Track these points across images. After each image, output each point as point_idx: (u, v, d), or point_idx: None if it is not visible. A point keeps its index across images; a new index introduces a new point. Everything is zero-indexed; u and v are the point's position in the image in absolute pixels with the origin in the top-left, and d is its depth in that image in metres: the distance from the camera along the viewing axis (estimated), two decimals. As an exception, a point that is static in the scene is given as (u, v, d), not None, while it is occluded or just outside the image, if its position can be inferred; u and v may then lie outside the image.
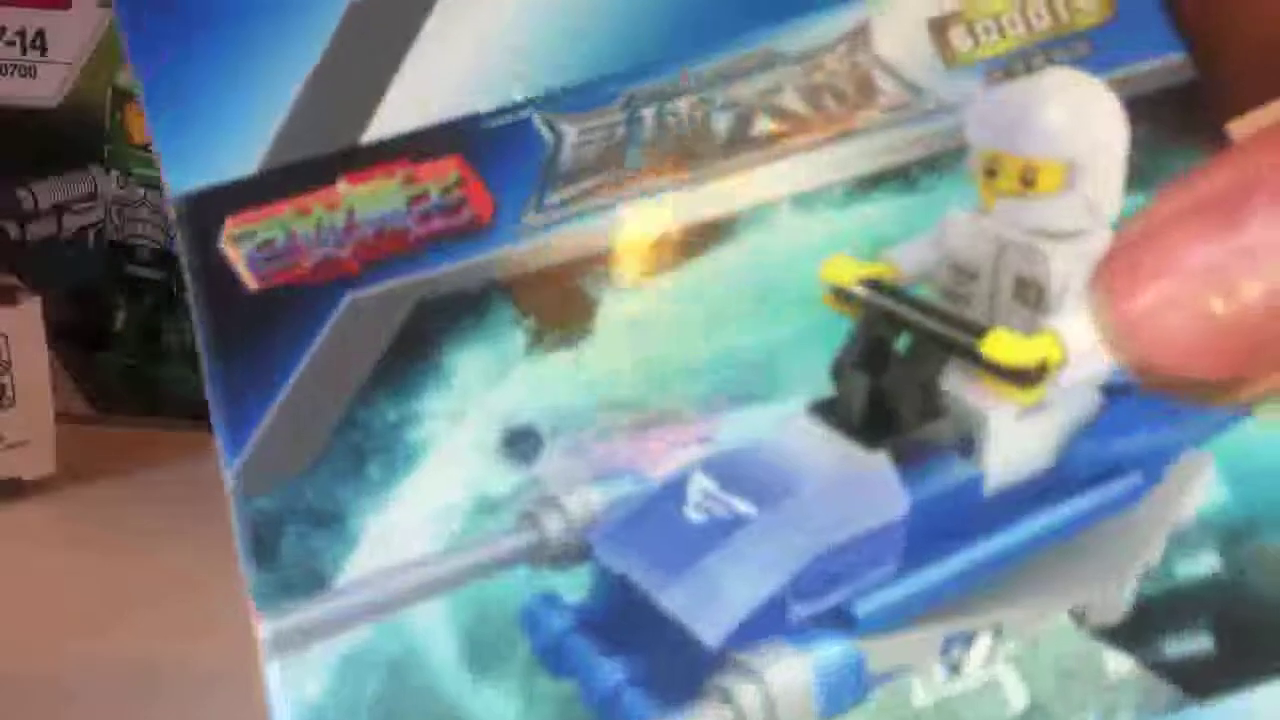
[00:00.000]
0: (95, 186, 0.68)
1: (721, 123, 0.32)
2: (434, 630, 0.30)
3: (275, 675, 0.29)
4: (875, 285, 0.31)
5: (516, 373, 0.31)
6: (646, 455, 0.31)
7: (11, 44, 0.66)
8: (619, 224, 0.32)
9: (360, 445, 0.31)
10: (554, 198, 0.32)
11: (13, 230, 0.69)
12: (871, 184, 0.32)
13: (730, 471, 0.30)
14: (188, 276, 0.32)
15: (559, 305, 0.32)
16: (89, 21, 0.66)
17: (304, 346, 0.31)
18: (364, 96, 0.32)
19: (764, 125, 0.32)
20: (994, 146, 0.31)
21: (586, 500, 0.30)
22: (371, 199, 0.32)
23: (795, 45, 0.32)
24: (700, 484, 0.30)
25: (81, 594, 0.57)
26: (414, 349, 0.31)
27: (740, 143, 0.32)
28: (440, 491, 0.30)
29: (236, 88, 0.32)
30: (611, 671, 0.29)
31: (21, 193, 0.68)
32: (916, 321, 0.30)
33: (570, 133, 0.32)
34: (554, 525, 0.30)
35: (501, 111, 0.32)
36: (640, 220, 0.32)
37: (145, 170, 0.68)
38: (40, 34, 0.66)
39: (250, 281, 0.31)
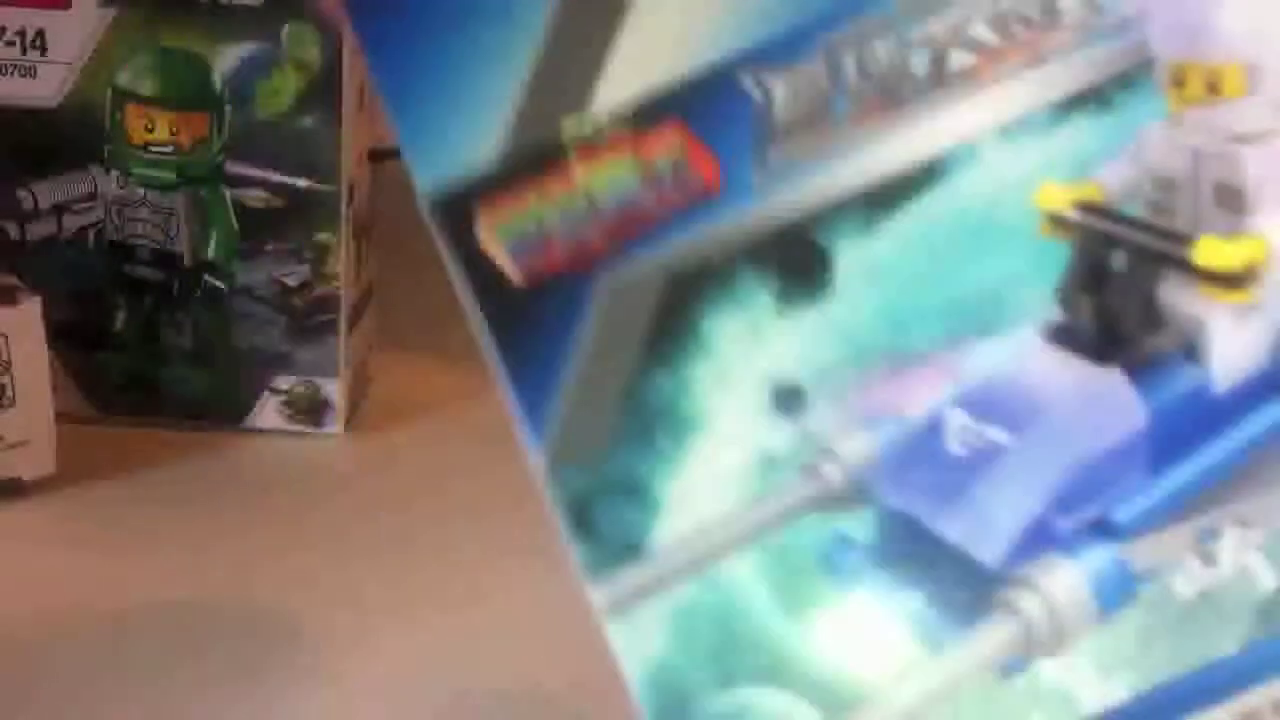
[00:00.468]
0: (95, 186, 0.68)
1: (919, 63, 0.34)
2: (745, 581, 0.33)
3: (618, 637, 0.33)
4: (1088, 208, 0.33)
5: (770, 332, 0.34)
6: (901, 397, 0.33)
7: (11, 44, 0.66)
8: (839, 174, 0.34)
9: (645, 418, 0.33)
10: (774, 155, 0.34)
11: (13, 230, 0.68)
12: (1068, 107, 0.34)
13: (981, 403, 0.33)
14: (456, 273, 0.34)
15: (798, 262, 0.34)
16: (89, 21, 0.66)
17: (573, 330, 0.34)
18: (583, 73, 0.34)
19: (960, 60, 0.34)
20: (1178, 57, 0.33)
21: (857, 447, 0.33)
22: (607, 180, 0.34)
23: None
24: (956, 419, 0.33)
25: (81, 594, 0.57)
26: (673, 322, 0.34)
27: (940, 80, 0.34)
28: (725, 453, 0.33)
29: (468, 83, 0.34)
30: (910, 597, 0.32)
31: (21, 193, 0.68)
32: (1130, 238, 0.33)
33: (779, 88, 0.34)
34: (833, 473, 0.33)
35: (711, 72, 0.34)
36: (857, 168, 0.34)
37: (145, 170, 0.68)
38: (40, 34, 0.66)
39: (515, 274, 0.34)
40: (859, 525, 0.33)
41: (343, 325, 0.70)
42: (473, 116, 0.34)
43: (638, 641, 0.33)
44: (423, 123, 0.34)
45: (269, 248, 0.69)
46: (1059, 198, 0.33)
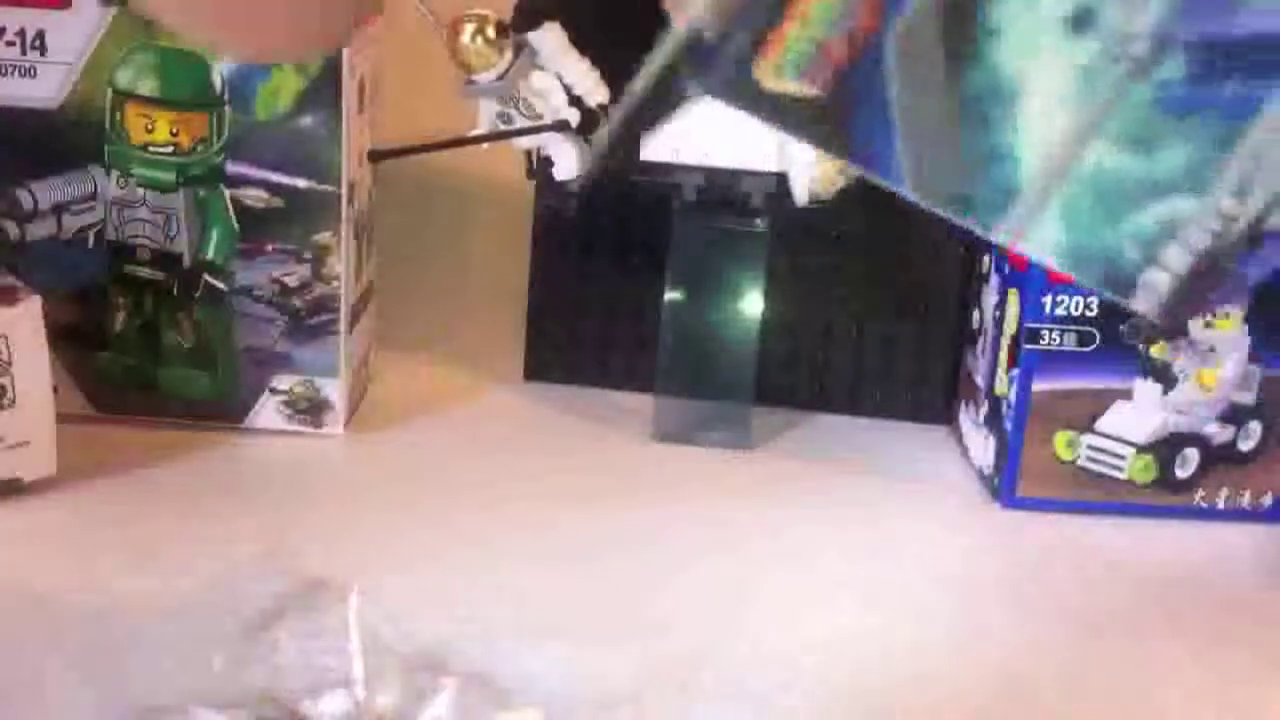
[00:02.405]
0: (95, 186, 0.68)
1: None
2: (1101, 156, 0.39)
3: (1028, 250, 0.39)
4: None
5: None
6: None
7: (11, 44, 0.66)
8: None
9: (975, 106, 0.39)
10: None
11: (12, 230, 0.68)
12: None
13: None
14: (769, 123, 0.40)
15: None
16: (89, 21, 0.66)
17: (886, 88, 0.39)
18: None
19: None
20: None
21: (1146, 19, 0.38)
22: None
23: None
24: None
25: (81, 594, 0.57)
26: (962, 24, 0.39)
27: None
28: (1049, 84, 0.39)
29: None
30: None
31: (21, 193, 0.68)
32: None
33: None
34: (1138, 46, 0.38)
35: None
36: None
37: (145, 170, 0.68)
38: (40, 34, 0.66)
39: (815, 91, 0.40)
40: (1172, 69, 0.38)
41: (343, 325, 0.70)
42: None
43: (1043, 243, 0.39)
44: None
45: (269, 248, 0.69)
46: None
